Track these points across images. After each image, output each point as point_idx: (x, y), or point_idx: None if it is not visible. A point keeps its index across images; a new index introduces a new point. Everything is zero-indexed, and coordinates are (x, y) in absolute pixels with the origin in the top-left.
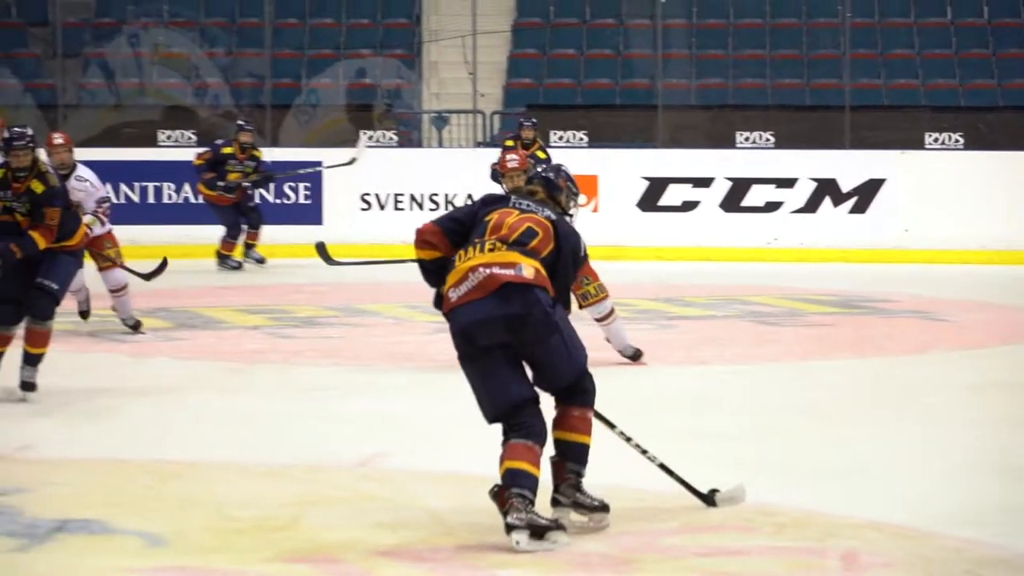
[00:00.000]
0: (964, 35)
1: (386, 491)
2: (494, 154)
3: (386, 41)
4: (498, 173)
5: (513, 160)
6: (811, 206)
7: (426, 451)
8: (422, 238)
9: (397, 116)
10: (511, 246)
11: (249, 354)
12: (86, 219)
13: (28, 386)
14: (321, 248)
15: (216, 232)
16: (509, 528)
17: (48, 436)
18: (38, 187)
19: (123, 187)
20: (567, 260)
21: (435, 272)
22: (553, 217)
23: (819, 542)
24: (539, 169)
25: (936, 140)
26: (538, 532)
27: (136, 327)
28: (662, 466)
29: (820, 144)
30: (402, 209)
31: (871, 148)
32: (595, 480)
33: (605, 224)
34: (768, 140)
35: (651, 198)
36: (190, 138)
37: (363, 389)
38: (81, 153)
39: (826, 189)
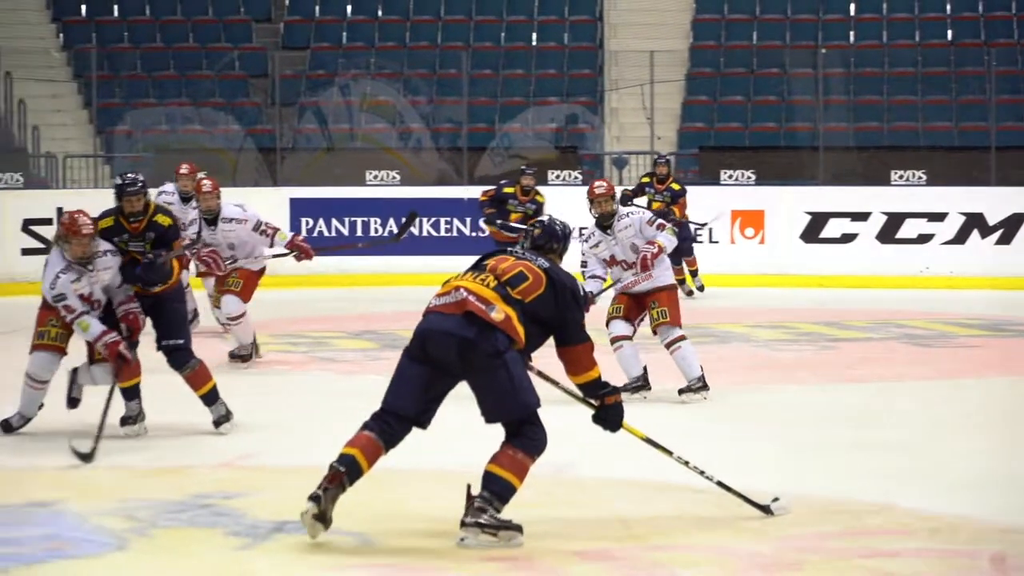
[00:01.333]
0: None
1: (578, 496)
2: None
3: (571, 90)
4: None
5: (600, 186)
6: (960, 238)
7: (614, 459)
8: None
9: (581, 157)
10: (499, 286)
11: None
12: (276, 248)
13: (219, 422)
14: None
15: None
16: (311, 498)
17: (268, 445)
18: (165, 220)
19: (334, 221)
20: (568, 302)
21: None
22: (547, 266)
23: (970, 545)
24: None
25: None
26: (321, 517)
27: (248, 358)
28: (720, 483)
29: (968, 181)
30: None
31: (1015, 185)
32: (761, 486)
33: (771, 254)
34: (920, 178)
35: (813, 231)
36: (394, 177)
37: (557, 402)
38: (296, 191)
39: (974, 222)
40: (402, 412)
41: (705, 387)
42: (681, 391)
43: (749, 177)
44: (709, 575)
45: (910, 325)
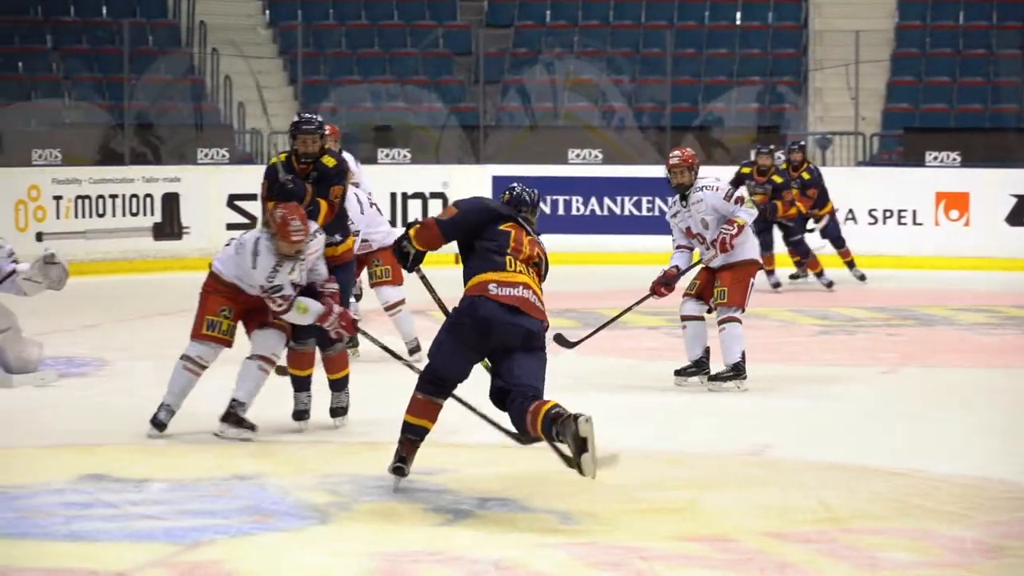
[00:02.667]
0: None
1: (775, 478)
2: (874, 172)
3: (775, 69)
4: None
5: (675, 156)
6: None
7: (812, 442)
8: (424, 230)
9: (784, 137)
10: (541, 280)
11: (647, 351)
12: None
13: (337, 412)
14: (560, 339)
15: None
16: (392, 469)
17: (468, 422)
18: (330, 161)
19: None
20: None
21: (415, 260)
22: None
23: None
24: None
25: None
26: (395, 469)
27: (417, 349)
28: (509, 432)
29: None
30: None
31: None
32: (965, 471)
33: (976, 237)
34: None
35: (1019, 214)
36: (596, 156)
37: (753, 385)
38: (499, 169)
39: None
40: (452, 374)
41: (738, 376)
42: (711, 378)
43: (954, 159)
44: (908, 559)
45: None
